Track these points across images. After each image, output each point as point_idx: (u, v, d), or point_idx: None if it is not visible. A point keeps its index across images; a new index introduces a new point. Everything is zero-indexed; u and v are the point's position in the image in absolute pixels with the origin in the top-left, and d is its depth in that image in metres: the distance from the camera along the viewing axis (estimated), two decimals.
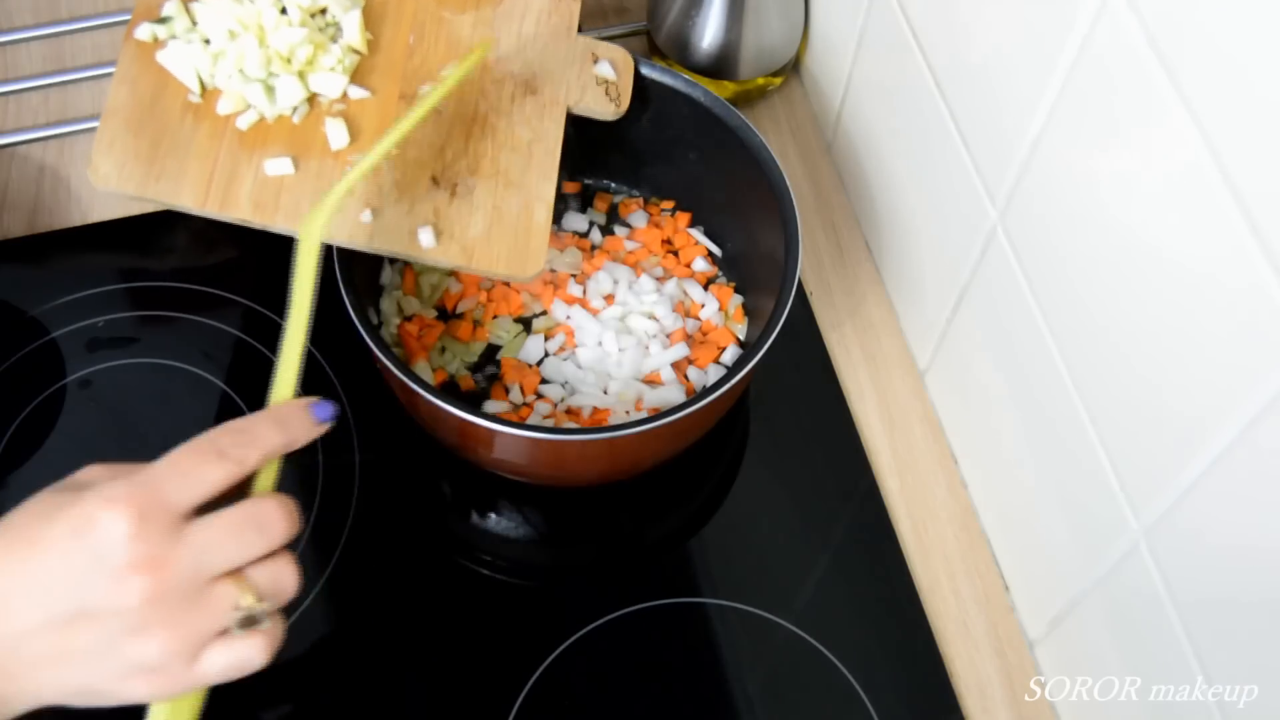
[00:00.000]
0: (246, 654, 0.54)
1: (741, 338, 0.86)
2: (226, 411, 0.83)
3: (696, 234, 0.90)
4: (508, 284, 0.87)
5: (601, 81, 0.81)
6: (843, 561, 0.82)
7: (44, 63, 1.01)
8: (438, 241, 0.75)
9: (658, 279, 0.88)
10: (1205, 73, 0.52)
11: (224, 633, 0.53)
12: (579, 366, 0.84)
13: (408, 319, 0.85)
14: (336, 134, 0.75)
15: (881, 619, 0.80)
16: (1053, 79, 0.63)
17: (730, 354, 0.85)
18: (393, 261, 0.86)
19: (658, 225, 0.91)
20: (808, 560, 0.82)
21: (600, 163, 0.91)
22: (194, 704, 0.57)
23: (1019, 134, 0.67)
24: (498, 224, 0.77)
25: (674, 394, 0.82)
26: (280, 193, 0.74)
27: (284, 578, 0.55)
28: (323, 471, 0.82)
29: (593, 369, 0.84)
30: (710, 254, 0.90)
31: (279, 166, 0.74)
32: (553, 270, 0.88)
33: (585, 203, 0.92)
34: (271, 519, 0.54)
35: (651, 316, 0.86)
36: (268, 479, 0.58)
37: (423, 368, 0.83)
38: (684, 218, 0.91)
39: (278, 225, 0.73)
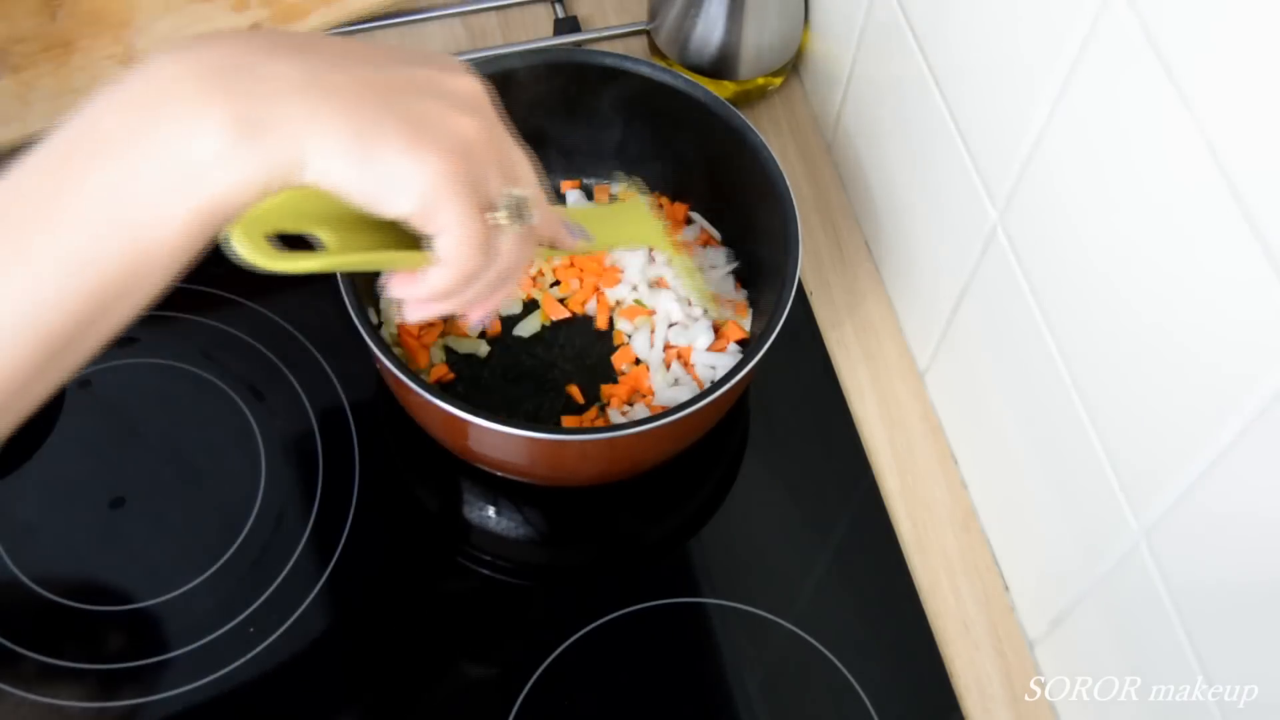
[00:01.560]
0: (500, 232, 0.55)
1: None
2: (227, 412, 0.83)
3: (697, 216, 0.90)
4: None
5: None
6: (843, 561, 0.81)
7: None
8: None
9: None
10: (1206, 73, 0.52)
11: (491, 211, 0.54)
12: None
13: None
14: None
15: (881, 619, 0.80)
16: (1052, 79, 0.63)
17: (730, 353, 0.85)
18: None
19: None
20: (808, 560, 0.82)
21: (600, 162, 0.91)
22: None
23: (1019, 134, 0.67)
24: None
25: (674, 394, 0.82)
26: None
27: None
28: (323, 471, 0.82)
29: None
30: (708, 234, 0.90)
31: None
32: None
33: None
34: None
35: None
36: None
37: None
38: (680, 208, 0.91)
39: None
